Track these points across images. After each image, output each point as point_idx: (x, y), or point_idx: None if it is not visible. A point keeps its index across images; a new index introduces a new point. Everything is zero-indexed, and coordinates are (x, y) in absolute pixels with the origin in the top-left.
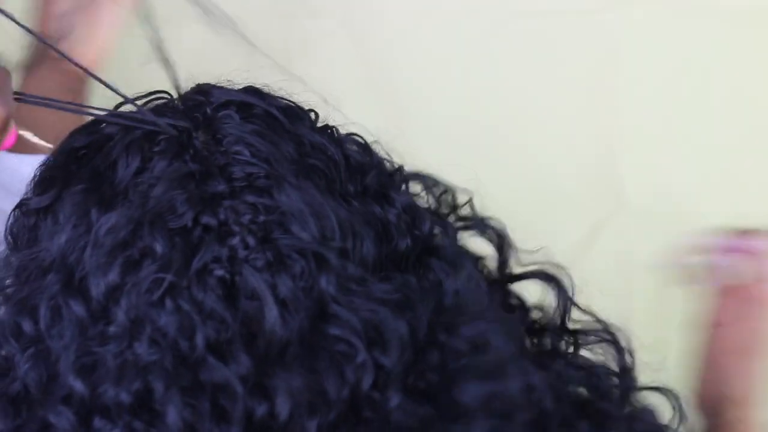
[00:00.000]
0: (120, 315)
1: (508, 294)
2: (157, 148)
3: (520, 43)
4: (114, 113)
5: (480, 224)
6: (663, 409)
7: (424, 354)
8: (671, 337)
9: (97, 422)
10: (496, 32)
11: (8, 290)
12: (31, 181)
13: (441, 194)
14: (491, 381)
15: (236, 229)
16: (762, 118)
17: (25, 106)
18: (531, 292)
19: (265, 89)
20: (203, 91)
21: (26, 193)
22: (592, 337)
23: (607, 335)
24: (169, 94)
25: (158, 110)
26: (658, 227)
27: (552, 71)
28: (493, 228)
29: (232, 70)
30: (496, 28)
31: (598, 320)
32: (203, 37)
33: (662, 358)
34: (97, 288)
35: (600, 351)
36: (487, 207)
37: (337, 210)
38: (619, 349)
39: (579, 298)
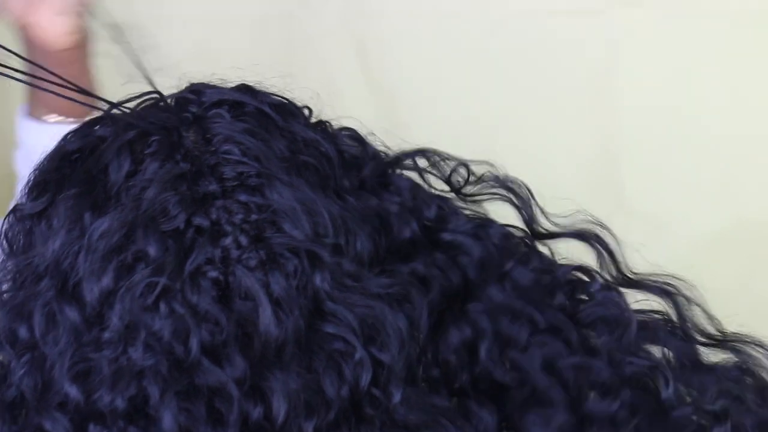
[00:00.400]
0: (114, 320)
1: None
2: (148, 150)
3: (520, 43)
4: (110, 107)
5: (501, 186)
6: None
7: (446, 335)
8: None
9: (92, 429)
10: (496, 32)
11: (4, 296)
12: (25, 186)
13: (453, 169)
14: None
15: (228, 228)
16: (762, 118)
17: None
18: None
19: (258, 87)
20: (196, 90)
21: (20, 198)
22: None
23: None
24: (160, 94)
25: (148, 110)
26: (658, 227)
27: (552, 71)
28: (514, 187)
29: (228, 68)
30: (496, 28)
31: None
32: (202, 37)
33: None
34: (91, 293)
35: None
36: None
37: (330, 206)
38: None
39: None
